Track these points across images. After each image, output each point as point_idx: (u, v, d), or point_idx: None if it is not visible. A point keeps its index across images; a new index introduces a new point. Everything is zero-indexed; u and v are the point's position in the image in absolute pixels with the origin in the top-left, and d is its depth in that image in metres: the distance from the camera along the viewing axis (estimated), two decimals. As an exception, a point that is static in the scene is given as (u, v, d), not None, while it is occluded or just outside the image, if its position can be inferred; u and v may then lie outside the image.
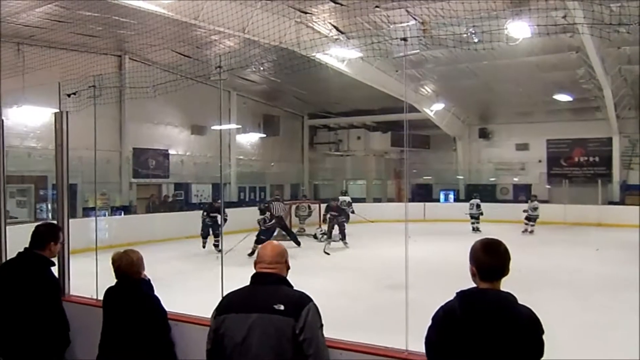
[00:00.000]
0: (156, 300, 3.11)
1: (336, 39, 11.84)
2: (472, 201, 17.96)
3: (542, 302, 6.97)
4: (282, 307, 2.35)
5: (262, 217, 13.17)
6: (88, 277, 4.07)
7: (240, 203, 19.58)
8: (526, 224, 16.79)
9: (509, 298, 2.12)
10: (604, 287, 8.90)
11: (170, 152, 18.75)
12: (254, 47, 12.91)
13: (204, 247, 13.11)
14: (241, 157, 21.78)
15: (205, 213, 13.50)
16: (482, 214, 17.41)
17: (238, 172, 21.25)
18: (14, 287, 3.36)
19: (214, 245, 12.77)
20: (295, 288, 2.54)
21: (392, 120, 22.13)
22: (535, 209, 16.99)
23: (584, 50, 14.27)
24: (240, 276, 2.76)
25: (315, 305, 2.43)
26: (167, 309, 3.19)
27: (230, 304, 2.52)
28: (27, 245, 3.46)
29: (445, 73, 18.12)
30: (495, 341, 2.03)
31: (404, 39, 3.46)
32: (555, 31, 11.31)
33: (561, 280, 9.54)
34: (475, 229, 16.93)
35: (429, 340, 2.23)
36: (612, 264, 10.96)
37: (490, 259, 2.16)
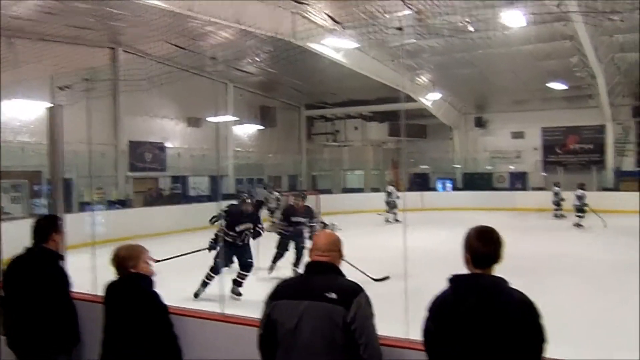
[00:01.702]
0: (154, 296, 3.05)
1: (332, 29, 11.76)
2: (554, 189, 17.97)
3: (551, 289, 7.04)
4: (334, 296, 2.35)
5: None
6: (86, 273, 4.05)
7: (238, 195, 19.51)
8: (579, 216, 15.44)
9: (500, 282, 2.15)
10: (608, 273, 8.91)
11: (167, 144, 18.67)
12: (250, 38, 12.83)
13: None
14: (238, 149, 21.73)
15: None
16: (562, 200, 17.24)
17: (235, 164, 21.21)
18: (25, 283, 3.36)
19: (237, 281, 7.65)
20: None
21: (389, 110, 22.14)
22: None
23: (578, 38, 14.26)
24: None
25: (366, 295, 2.42)
26: (168, 302, 3.14)
27: (283, 290, 2.52)
28: (24, 241, 3.46)
29: (441, 63, 18.08)
30: (488, 324, 2.05)
31: (399, 28, 3.43)
32: (550, 19, 11.28)
33: (566, 266, 9.56)
34: (559, 216, 17.16)
35: (428, 331, 2.23)
36: (614, 250, 11.03)
37: (483, 246, 2.20)
